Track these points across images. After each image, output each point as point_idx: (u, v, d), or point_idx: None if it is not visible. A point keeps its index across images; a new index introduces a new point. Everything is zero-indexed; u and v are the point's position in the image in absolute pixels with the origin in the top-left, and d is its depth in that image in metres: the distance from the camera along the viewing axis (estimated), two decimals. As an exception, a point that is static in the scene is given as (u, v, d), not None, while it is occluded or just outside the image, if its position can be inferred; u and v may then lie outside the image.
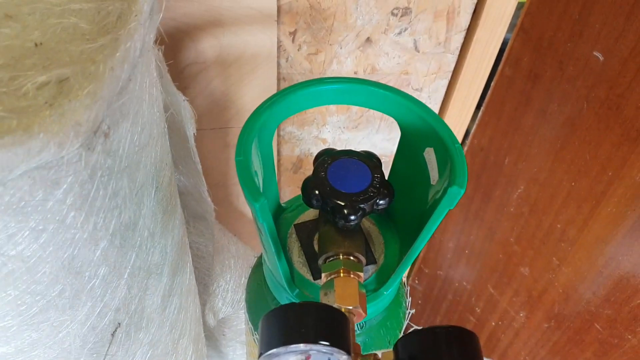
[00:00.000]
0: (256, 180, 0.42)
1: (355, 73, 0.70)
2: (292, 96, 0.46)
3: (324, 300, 0.46)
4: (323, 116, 0.75)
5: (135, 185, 0.42)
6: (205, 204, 0.71)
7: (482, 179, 0.81)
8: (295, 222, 0.55)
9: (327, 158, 0.47)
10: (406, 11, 0.63)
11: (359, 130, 0.79)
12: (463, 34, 0.68)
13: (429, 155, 0.48)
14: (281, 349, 0.35)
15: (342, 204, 0.44)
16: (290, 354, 0.35)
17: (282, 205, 0.57)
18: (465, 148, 0.81)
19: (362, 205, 0.45)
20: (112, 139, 0.35)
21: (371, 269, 0.53)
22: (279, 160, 0.81)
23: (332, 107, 0.75)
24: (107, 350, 0.50)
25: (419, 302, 1.15)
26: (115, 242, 0.41)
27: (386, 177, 0.48)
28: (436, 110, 0.78)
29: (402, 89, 0.74)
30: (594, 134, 0.62)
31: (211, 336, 0.94)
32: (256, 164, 0.45)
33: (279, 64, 0.67)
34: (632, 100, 0.56)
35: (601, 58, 0.57)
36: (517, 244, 0.80)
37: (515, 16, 0.66)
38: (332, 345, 0.35)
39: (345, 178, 0.46)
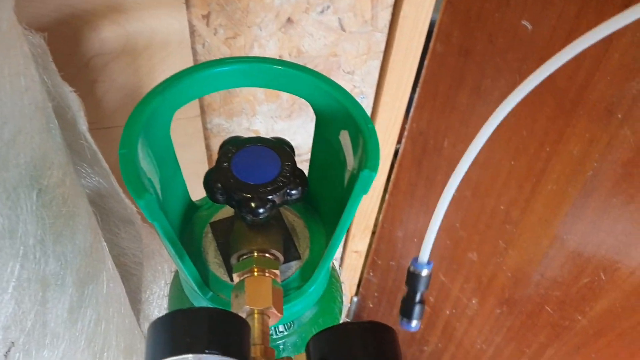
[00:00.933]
0: (145, 175, 0.38)
1: (280, 57, 0.66)
2: (186, 80, 0.41)
3: (235, 302, 0.42)
4: (252, 105, 0.71)
5: (4, 188, 0.37)
6: (126, 206, 0.66)
7: (424, 164, 0.77)
8: (211, 221, 0.51)
9: (232, 147, 0.43)
10: (326, -13, 0.59)
11: (292, 119, 0.75)
12: (390, 10, 0.64)
13: (344, 138, 0.44)
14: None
15: (248, 196, 0.40)
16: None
17: (197, 202, 0.52)
18: (405, 133, 0.78)
19: (270, 197, 0.41)
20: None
21: (295, 265, 0.49)
22: (210, 156, 0.76)
23: (261, 95, 0.70)
24: (2, 373, 0.45)
25: (375, 294, 1.12)
26: (-14, 253, 0.36)
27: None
28: (371, 93, 0.74)
29: (333, 73, 0.71)
30: (529, 108, 0.59)
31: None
32: (148, 161, 0.40)
33: (195, 51, 0.63)
34: (563, 70, 0.53)
35: (530, 27, 0.54)
36: (463, 229, 0.77)
37: (442, -11, 0.63)
38: (224, 354, 0.31)
39: (251, 168, 0.42)
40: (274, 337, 0.49)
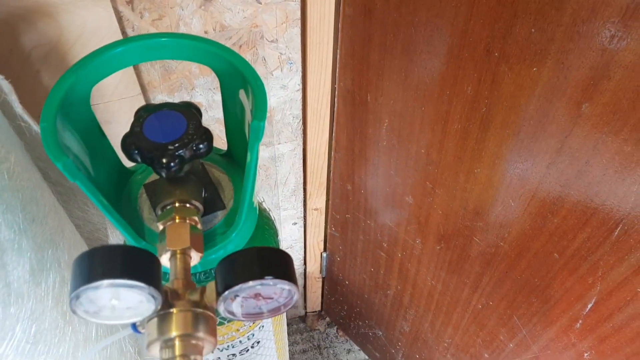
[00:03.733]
0: (64, 144, 0.44)
1: (205, 33, 0.71)
2: (98, 59, 0.47)
3: (160, 247, 0.48)
4: (189, 80, 0.77)
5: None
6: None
7: (355, 119, 0.84)
8: (145, 182, 0.57)
9: (144, 113, 0.49)
10: (233, -36, 0.65)
11: (230, 90, 0.81)
12: (298, -21, 0.70)
13: (242, 96, 0.51)
14: (85, 287, 0.37)
15: (159, 153, 0.47)
16: (95, 291, 0.37)
17: (131, 169, 0.59)
18: (336, 92, 0.84)
19: (178, 152, 0.47)
20: None
21: (221, 214, 0.55)
22: (159, 131, 0.82)
23: (195, 70, 0.76)
24: (-30, 330, 0.51)
25: (340, 247, 1.19)
26: None
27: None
28: (298, 58, 0.80)
29: (257, 42, 0.77)
30: (426, 57, 0.65)
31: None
32: (69, 132, 0.46)
33: (126, 34, 0.68)
34: (446, 18, 0.60)
35: (414, -17, 0.60)
36: (397, 175, 0.84)
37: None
38: (133, 279, 0.38)
39: (161, 129, 0.48)
40: (210, 279, 0.56)
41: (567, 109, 0.55)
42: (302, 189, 1.08)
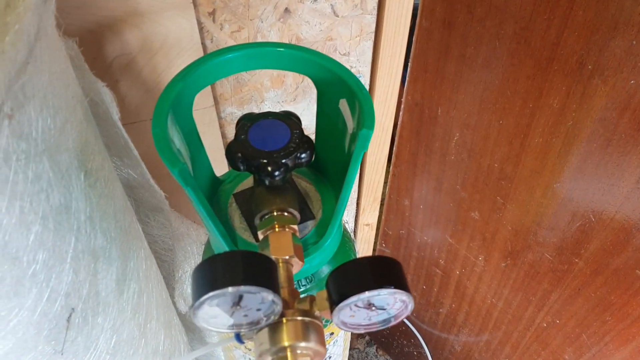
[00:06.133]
0: (177, 149, 0.44)
1: (281, 45, 0.72)
2: (203, 66, 0.48)
3: (262, 255, 0.48)
4: (259, 93, 0.77)
5: (59, 169, 0.43)
6: (155, 193, 0.73)
7: (421, 133, 0.83)
8: (234, 192, 0.57)
9: (247, 122, 0.49)
10: (317, -22, 0.66)
11: (297, 103, 0.81)
12: (377, -7, 0.70)
13: (343, 106, 0.50)
14: (210, 295, 0.37)
15: (265, 161, 0.47)
16: (219, 299, 0.37)
17: (220, 178, 0.59)
18: (402, 106, 0.84)
19: (284, 161, 0.47)
20: (19, 122, 0.36)
21: (311, 224, 0.55)
22: (225, 143, 0.82)
23: (267, 83, 0.76)
24: (65, 336, 0.51)
25: (390, 265, 1.17)
26: (49, 225, 0.43)
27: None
28: (367, 71, 0.80)
29: (330, 55, 0.77)
30: (510, 70, 0.64)
31: (195, 328, 0.96)
32: (177, 138, 0.47)
33: (205, 46, 0.69)
34: (535, 31, 0.59)
35: (503, -5, 0.60)
36: (463, 189, 0.83)
37: (423, -31, 0.69)
38: (258, 285, 0.38)
39: (265, 138, 0.48)
40: (299, 289, 0.55)
41: (666, 123, 0.54)
42: (355, 204, 1.08)
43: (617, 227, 0.65)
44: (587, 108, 0.59)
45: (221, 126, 0.81)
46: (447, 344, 1.17)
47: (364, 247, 1.19)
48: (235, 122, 0.82)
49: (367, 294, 0.40)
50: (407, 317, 1.26)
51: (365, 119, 0.45)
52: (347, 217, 1.12)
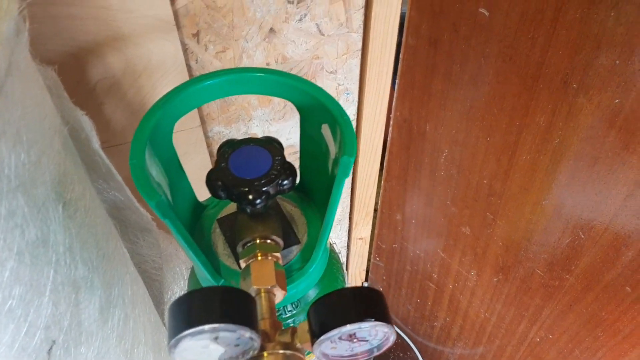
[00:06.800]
0: (154, 180, 0.44)
1: (267, 64, 0.71)
2: (183, 93, 0.47)
3: (244, 284, 0.47)
4: (247, 111, 0.77)
5: (35, 203, 0.43)
6: (142, 215, 0.72)
7: (411, 149, 0.83)
8: (218, 217, 0.57)
9: (228, 149, 0.49)
10: (301, -3, 0.65)
11: (286, 121, 0.81)
12: (362, 11, 0.70)
13: (325, 130, 0.50)
14: (186, 333, 0.36)
15: (246, 190, 0.46)
16: (196, 337, 0.36)
17: (203, 203, 0.58)
18: (391, 122, 0.83)
19: (265, 188, 0.46)
20: (-11, 160, 0.35)
21: (296, 249, 0.54)
22: (213, 162, 0.82)
23: (254, 102, 0.76)
24: (47, 369, 0.50)
25: (384, 277, 1.17)
26: (25, 260, 0.42)
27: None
28: (355, 88, 0.80)
29: (317, 74, 0.77)
30: (496, 87, 0.64)
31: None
32: (155, 168, 0.46)
33: (189, 66, 0.68)
34: (520, 50, 0.59)
35: (487, 14, 0.59)
36: (454, 205, 0.82)
37: (408, -13, 0.68)
38: (235, 323, 0.37)
39: (246, 165, 0.48)
40: (284, 316, 0.55)
41: (652, 141, 0.53)
42: (347, 219, 1.07)
43: (606, 244, 0.64)
44: (573, 126, 0.59)
45: (209, 145, 0.80)
46: (443, 356, 1.16)
47: (357, 261, 1.18)
48: (222, 140, 0.81)
49: (348, 327, 0.40)
50: (403, 330, 1.25)
51: (346, 145, 0.45)
52: (340, 232, 1.11)
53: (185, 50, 0.67)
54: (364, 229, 1.08)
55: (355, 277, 1.23)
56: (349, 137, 0.45)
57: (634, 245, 0.61)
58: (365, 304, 0.41)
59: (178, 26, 0.64)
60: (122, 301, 0.62)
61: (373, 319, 0.40)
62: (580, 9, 0.52)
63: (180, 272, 0.84)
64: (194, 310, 0.37)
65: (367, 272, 1.22)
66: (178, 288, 0.84)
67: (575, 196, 0.64)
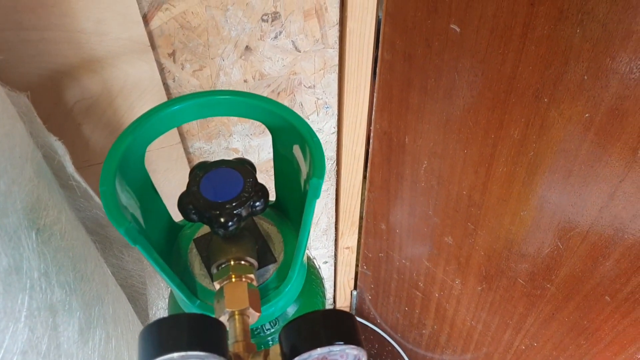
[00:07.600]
0: (124, 206, 0.44)
1: (245, 82, 0.72)
2: (153, 118, 0.47)
3: (217, 307, 0.47)
4: (227, 127, 0.77)
5: (6, 232, 0.43)
6: (123, 232, 0.73)
7: (392, 160, 0.83)
8: (195, 237, 0.57)
9: (199, 172, 0.49)
10: (275, 15, 0.65)
11: (266, 135, 0.81)
12: (336, 27, 0.70)
13: (297, 151, 0.50)
14: (155, 361, 0.36)
15: (217, 213, 0.46)
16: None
17: (180, 223, 0.58)
18: (372, 134, 0.84)
19: (236, 211, 0.47)
20: (-46, 195, 0.36)
21: (272, 267, 0.55)
22: (195, 177, 0.82)
23: (234, 117, 0.76)
24: (25, 393, 0.50)
25: (372, 286, 1.18)
26: (-3, 289, 0.42)
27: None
28: (334, 102, 0.80)
29: (296, 89, 0.77)
30: (470, 101, 0.65)
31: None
32: (126, 195, 0.46)
33: (167, 85, 0.69)
34: (492, 64, 0.59)
35: (458, 30, 0.60)
36: (436, 215, 0.83)
37: (381, 3, 0.69)
38: (203, 350, 0.37)
39: (218, 188, 0.48)
40: (262, 334, 0.55)
41: (622, 154, 0.54)
42: (333, 228, 1.08)
43: (584, 254, 0.65)
44: (546, 139, 0.59)
45: (190, 161, 0.80)
46: (432, 364, 1.16)
47: (345, 270, 1.18)
48: (204, 156, 0.81)
49: (318, 350, 0.40)
50: (393, 337, 1.25)
51: (316, 167, 0.45)
52: (327, 242, 1.11)
53: (162, 69, 0.67)
54: (350, 239, 1.09)
55: (344, 285, 1.23)
56: (318, 159, 0.45)
57: (611, 256, 0.62)
58: (334, 327, 0.41)
59: (153, 46, 0.64)
60: (102, 321, 0.62)
61: (342, 342, 0.40)
62: (547, 26, 0.52)
63: (165, 287, 0.85)
64: (163, 338, 0.37)
65: (356, 280, 1.23)
66: (163, 303, 0.84)
67: (552, 207, 0.64)
